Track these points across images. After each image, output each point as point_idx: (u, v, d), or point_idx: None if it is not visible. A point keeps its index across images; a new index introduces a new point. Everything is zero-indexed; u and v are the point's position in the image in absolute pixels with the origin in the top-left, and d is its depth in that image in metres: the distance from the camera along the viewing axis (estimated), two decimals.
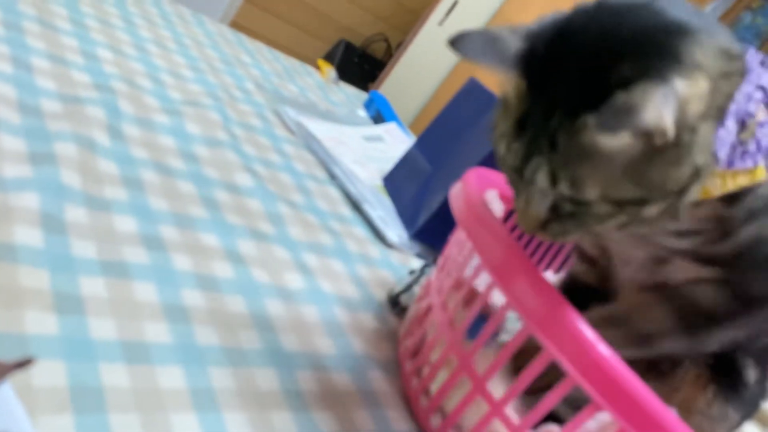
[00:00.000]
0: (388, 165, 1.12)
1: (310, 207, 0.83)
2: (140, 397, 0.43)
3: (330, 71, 1.46)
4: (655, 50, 0.38)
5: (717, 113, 0.41)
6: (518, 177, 0.43)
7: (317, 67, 1.49)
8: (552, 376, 0.48)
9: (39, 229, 0.49)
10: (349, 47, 3.32)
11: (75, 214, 0.53)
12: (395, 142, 1.24)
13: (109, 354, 0.44)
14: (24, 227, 0.48)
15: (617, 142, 0.37)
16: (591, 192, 0.40)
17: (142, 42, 0.93)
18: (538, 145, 0.40)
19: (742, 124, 0.42)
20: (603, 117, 0.36)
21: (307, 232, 0.76)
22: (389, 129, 1.28)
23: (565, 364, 0.43)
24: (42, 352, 0.41)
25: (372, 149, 1.16)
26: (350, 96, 1.44)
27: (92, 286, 0.48)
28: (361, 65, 3.32)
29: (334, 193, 0.93)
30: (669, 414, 0.42)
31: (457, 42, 0.41)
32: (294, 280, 0.66)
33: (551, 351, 0.44)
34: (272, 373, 0.52)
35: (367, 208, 0.92)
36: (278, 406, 0.49)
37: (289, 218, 0.76)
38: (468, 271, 0.59)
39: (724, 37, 0.41)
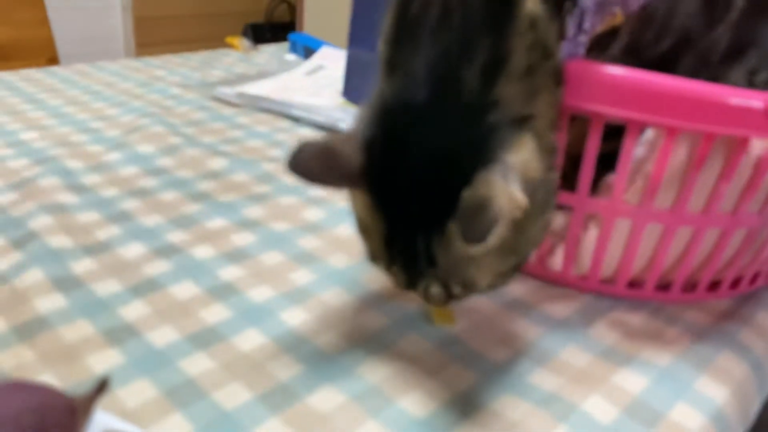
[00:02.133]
0: (341, 84, 1.09)
1: None
2: (229, 366, 0.42)
3: (243, 41, 1.42)
4: (475, 143, 0.36)
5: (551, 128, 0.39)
6: (409, 290, 0.41)
7: (230, 47, 1.45)
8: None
9: (57, 293, 0.48)
10: (256, 28, 3.26)
11: (82, 265, 0.52)
12: (336, 62, 1.20)
13: (182, 350, 0.43)
14: (42, 298, 0.47)
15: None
16: (482, 282, 0.39)
17: (56, 110, 0.91)
18: (417, 266, 0.39)
19: None
20: (464, 227, 0.34)
21: None
22: (324, 54, 1.24)
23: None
24: (123, 380, 0.40)
25: (319, 79, 1.13)
26: (273, 52, 1.40)
27: (133, 311, 0.47)
28: (276, 37, 3.25)
29: (307, 131, 0.91)
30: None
31: (295, 164, 0.37)
32: (313, 214, 0.64)
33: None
34: (341, 289, 0.51)
35: (343, 126, 0.90)
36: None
37: (278, 172, 0.74)
38: None
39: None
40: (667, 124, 0.41)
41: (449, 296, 0.40)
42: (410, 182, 0.37)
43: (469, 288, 0.39)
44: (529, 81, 0.37)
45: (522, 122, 0.37)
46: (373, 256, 0.42)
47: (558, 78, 0.39)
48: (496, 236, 0.34)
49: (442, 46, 0.36)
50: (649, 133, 0.48)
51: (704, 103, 0.40)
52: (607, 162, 0.50)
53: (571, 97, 0.42)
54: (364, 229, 0.42)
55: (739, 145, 0.43)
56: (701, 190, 0.46)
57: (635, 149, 0.47)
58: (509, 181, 0.34)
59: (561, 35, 0.41)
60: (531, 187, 0.36)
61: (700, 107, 0.41)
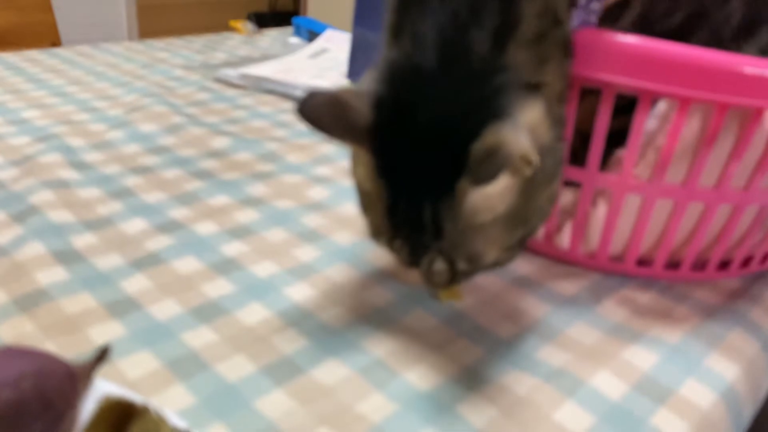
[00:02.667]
0: (345, 66, 1.08)
1: (296, 134, 0.81)
2: (232, 340, 0.41)
3: (246, 24, 1.40)
4: (485, 102, 0.35)
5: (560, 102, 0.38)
6: (413, 266, 0.40)
7: (233, 30, 1.44)
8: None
9: (58, 267, 0.47)
10: (259, 17, 3.24)
11: (83, 240, 0.52)
12: (341, 45, 1.19)
13: (185, 323, 0.43)
14: (44, 271, 0.47)
15: (496, 189, 0.35)
16: (489, 256, 0.38)
17: (59, 90, 0.90)
18: (422, 238, 0.38)
19: None
20: (474, 172, 0.34)
21: (306, 153, 0.73)
22: (328, 37, 1.23)
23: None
24: (124, 352, 0.40)
25: (323, 61, 1.12)
26: (277, 36, 1.39)
27: (135, 284, 0.47)
28: (279, 26, 3.24)
29: None
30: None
31: (304, 110, 0.36)
32: (318, 193, 0.64)
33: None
34: (347, 265, 0.51)
35: None
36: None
37: (282, 150, 0.74)
38: None
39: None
40: (679, 94, 0.41)
41: (453, 274, 0.39)
42: (418, 143, 0.36)
43: (475, 263, 0.38)
44: (538, 48, 0.36)
45: (531, 89, 0.36)
46: (375, 231, 0.41)
47: (567, 48, 0.38)
48: (505, 186, 0.33)
49: (450, 10, 0.35)
50: (661, 106, 0.47)
51: (718, 72, 0.40)
52: (617, 139, 0.49)
53: (581, 67, 0.41)
54: (366, 201, 0.40)
55: (753, 117, 0.42)
56: (713, 164, 0.45)
57: (647, 122, 0.46)
58: (519, 134, 0.33)
59: (572, 3, 0.40)
60: (539, 152, 0.35)
61: (713, 76, 0.40)
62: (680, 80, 0.40)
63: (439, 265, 0.38)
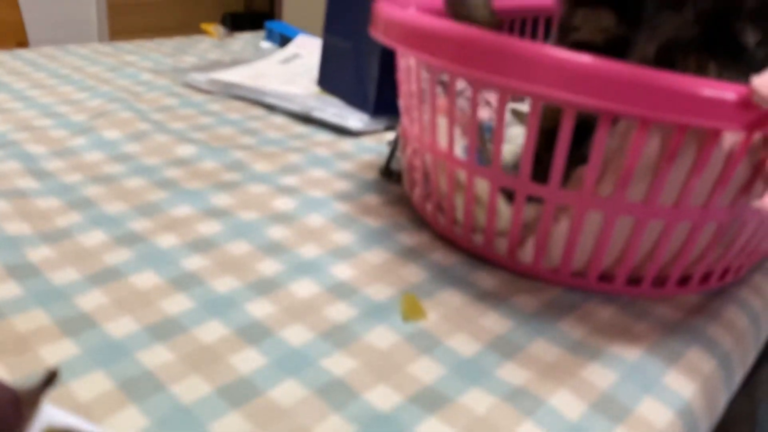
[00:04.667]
0: (316, 73, 1.07)
1: (264, 141, 0.80)
2: (189, 359, 0.41)
3: (218, 28, 1.39)
4: None
5: None
6: None
7: (205, 33, 1.43)
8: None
9: (11, 281, 0.46)
10: (234, 17, 3.22)
11: (39, 253, 0.50)
12: (312, 51, 1.19)
13: (141, 342, 0.42)
14: None
15: None
16: None
17: (20, 93, 0.88)
18: None
19: None
20: None
21: (273, 162, 0.73)
22: (300, 43, 1.22)
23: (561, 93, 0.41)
24: (76, 372, 0.39)
25: (294, 67, 1.11)
26: (249, 39, 1.38)
27: (91, 300, 0.46)
28: (255, 26, 3.21)
29: (281, 119, 0.89)
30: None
31: None
32: (284, 204, 0.63)
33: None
34: (310, 280, 0.50)
35: (318, 114, 0.88)
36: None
37: (248, 159, 0.73)
38: (426, 87, 0.56)
39: None
40: (639, 114, 0.41)
41: None
42: None
43: None
44: None
45: None
46: None
47: None
48: None
49: None
50: (623, 124, 0.47)
51: (678, 94, 0.40)
52: (582, 149, 0.49)
53: (543, 86, 0.41)
54: None
55: (712, 137, 0.42)
56: (673, 182, 0.45)
57: (608, 140, 0.46)
58: None
59: None
60: None
61: (673, 98, 0.40)
62: (641, 101, 0.40)
63: None
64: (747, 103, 0.39)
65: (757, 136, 0.43)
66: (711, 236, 0.50)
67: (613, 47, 0.56)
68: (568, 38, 0.58)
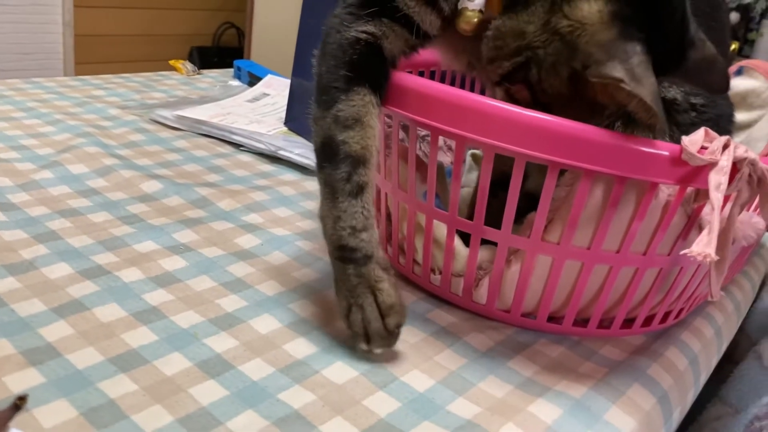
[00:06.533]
0: (284, 112, 1.10)
1: (230, 179, 0.82)
2: (150, 390, 0.42)
3: (186, 64, 1.41)
4: None
5: None
6: None
7: (173, 69, 1.45)
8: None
9: None
10: (202, 51, 3.24)
11: (5, 284, 0.51)
12: (280, 91, 1.21)
13: (104, 372, 0.43)
14: None
15: None
16: None
17: None
18: None
19: None
20: None
21: (238, 199, 0.74)
22: (269, 82, 1.25)
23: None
24: (41, 401, 0.39)
25: (261, 106, 1.14)
26: (217, 77, 1.40)
27: (55, 331, 0.46)
28: (223, 61, 3.24)
29: (247, 158, 0.91)
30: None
31: None
32: (248, 241, 0.65)
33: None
34: (271, 316, 0.52)
35: (284, 153, 0.90)
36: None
37: (213, 197, 0.74)
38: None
39: None
40: (583, 167, 0.44)
41: None
42: None
43: None
44: None
45: None
46: None
47: None
48: None
49: None
50: (569, 175, 0.50)
51: (617, 149, 0.43)
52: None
53: (495, 138, 0.45)
54: None
55: (649, 189, 0.46)
56: (616, 230, 0.49)
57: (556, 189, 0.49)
58: None
59: None
60: None
61: (613, 153, 0.43)
62: (584, 155, 0.44)
63: None
64: (678, 160, 0.43)
65: (690, 188, 0.47)
66: (652, 281, 0.53)
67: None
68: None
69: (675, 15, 0.45)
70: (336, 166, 0.48)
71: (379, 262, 0.49)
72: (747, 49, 2.09)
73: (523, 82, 0.48)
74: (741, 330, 0.78)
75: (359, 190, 0.48)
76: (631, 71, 0.42)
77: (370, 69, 0.50)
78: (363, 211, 0.48)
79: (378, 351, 0.48)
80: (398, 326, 0.48)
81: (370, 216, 0.48)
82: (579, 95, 0.47)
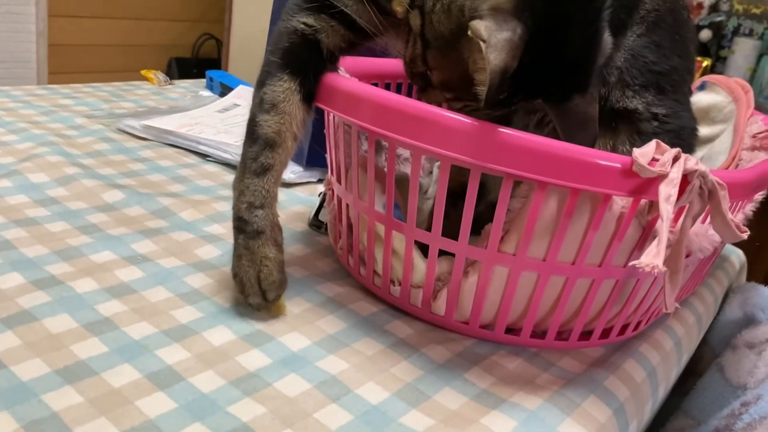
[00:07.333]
0: None
1: (194, 189, 0.81)
2: (96, 402, 0.41)
3: (157, 74, 1.40)
4: None
5: None
6: None
7: (144, 79, 1.44)
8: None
9: None
10: (181, 62, 3.22)
11: None
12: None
13: (49, 384, 0.42)
14: None
15: None
16: None
17: None
18: None
19: None
20: None
21: (200, 210, 0.74)
22: (240, 93, 1.25)
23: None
24: None
25: (231, 117, 1.13)
26: (188, 87, 1.39)
27: (2, 342, 0.45)
28: (202, 73, 3.23)
29: (214, 168, 0.90)
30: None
31: None
32: (208, 252, 0.64)
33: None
34: (225, 328, 0.51)
35: None
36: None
37: (176, 207, 0.74)
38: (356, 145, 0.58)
39: None
40: (537, 178, 0.44)
41: None
42: None
43: None
44: None
45: None
46: None
47: None
48: None
49: None
50: (524, 186, 0.50)
51: (571, 161, 0.44)
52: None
53: (451, 148, 0.45)
54: None
55: (603, 201, 0.46)
56: (571, 242, 0.49)
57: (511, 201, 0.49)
58: None
59: None
60: None
61: (567, 165, 0.44)
62: (538, 167, 0.44)
63: None
64: (630, 171, 0.43)
65: (644, 201, 0.47)
66: (609, 293, 0.53)
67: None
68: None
69: (576, 52, 0.46)
70: (250, 144, 0.53)
71: (269, 241, 0.52)
72: (719, 65, 2.13)
73: (419, 8, 0.50)
74: (704, 343, 0.78)
75: (263, 171, 0.52)
76: (497, 40, 0.41)
77: (300, 59, 0.53)
78: (262, 190, 0.53)
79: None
80: (277, 298, 0.53)
81: (269, 196, 0.53)
82: (456, 48, 0.47)
